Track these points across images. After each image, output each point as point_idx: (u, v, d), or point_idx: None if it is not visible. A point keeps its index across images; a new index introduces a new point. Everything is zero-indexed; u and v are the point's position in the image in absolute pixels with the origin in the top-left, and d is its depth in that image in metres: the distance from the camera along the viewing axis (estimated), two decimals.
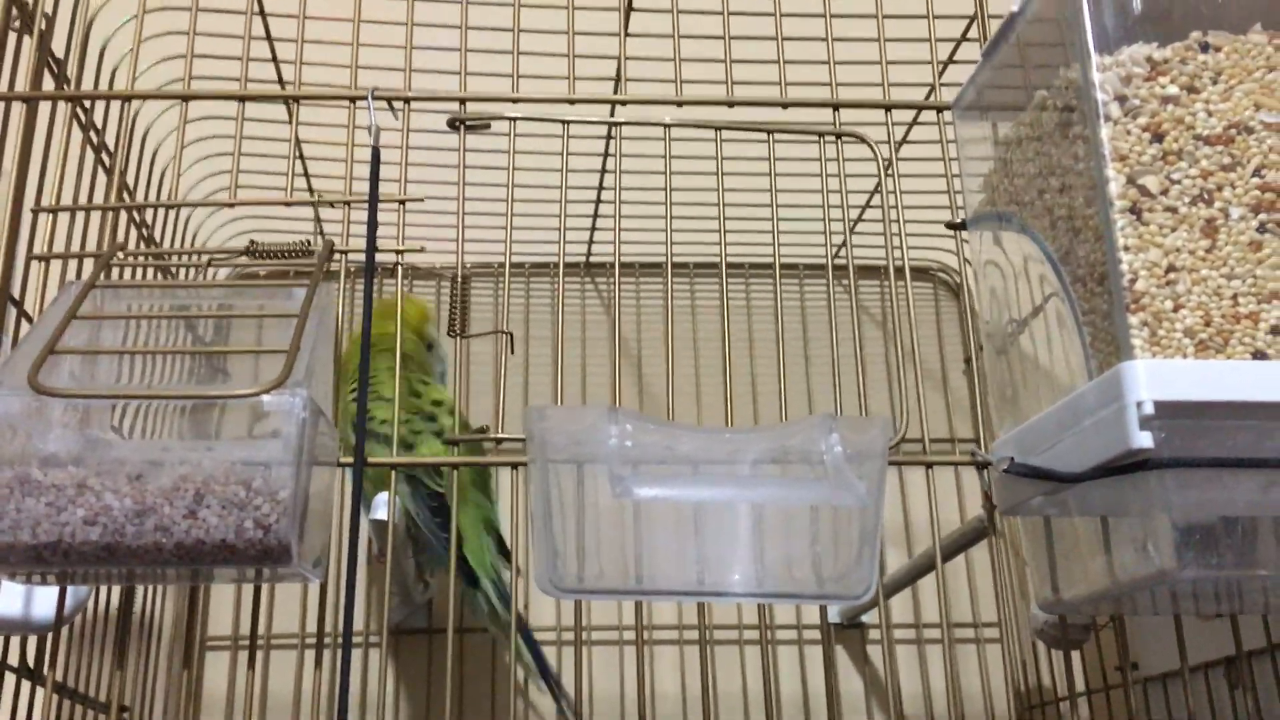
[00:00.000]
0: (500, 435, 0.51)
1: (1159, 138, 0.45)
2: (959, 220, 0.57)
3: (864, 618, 0.99)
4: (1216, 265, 0.44)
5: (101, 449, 0.46)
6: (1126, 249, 0.44)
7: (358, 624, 0.94)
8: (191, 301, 0.52)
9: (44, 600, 0.58)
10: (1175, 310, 0.43)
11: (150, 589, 0.86)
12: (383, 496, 0.69)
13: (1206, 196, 0.44)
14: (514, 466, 0.51)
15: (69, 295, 0.51)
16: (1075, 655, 0.93)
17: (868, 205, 0.87)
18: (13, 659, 0.62)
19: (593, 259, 1.06)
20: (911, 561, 0.82)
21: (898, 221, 0.61)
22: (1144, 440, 0.41)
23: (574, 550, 0.44)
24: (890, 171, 0.60)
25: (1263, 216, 0.44)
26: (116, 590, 0.80)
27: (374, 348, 0.68)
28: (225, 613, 0.94)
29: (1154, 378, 0.42)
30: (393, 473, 0.52)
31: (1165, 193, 0.44)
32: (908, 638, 1.00)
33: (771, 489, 0.43)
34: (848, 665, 0.99)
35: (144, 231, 0.63)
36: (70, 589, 0.57)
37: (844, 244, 0.63)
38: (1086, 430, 0.44)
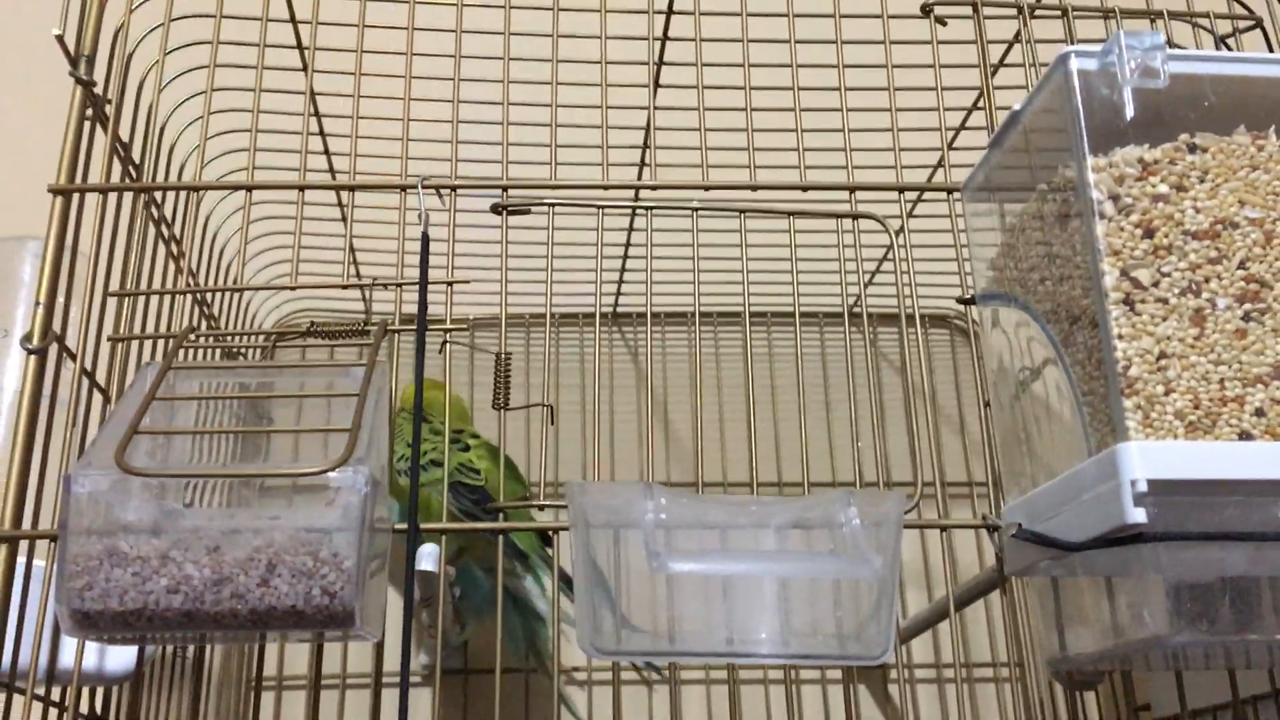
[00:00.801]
0: (543, 503, 0.55)
1: (1150, 233, 0.49)
2: (969, 296, 0.61)
3: (885, 657, 1.02)
4: (1204, 352, 0.47)
5: (177, 518, 0.50)
6: (1121, 337, 0.47)
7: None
8: (254, 379, 0.56)
9: (116, 654, 0.63)
10: (1166, 394, 0.47)
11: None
12: (428, 548, 0.73)
13: (1195, 288, 0.48)
14: (555, 531, 0.55)
15: (145, 378, 0.55)
16: (1090, 696, 0.96)
17: (878, 270, 0.91)
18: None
19: (620, 309, 1.11)
20: (930, 607, 0.86)
21: (909, 285, 0.65)
22: (1138, 516, 0.45)
23: (612, 616, 0.48)
24: (902, 244, 0.64)
25: (1247, 306, 0.48)
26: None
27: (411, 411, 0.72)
28: (271, 652, 0.98)
29: (1147, 458, 0.45)
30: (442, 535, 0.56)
31: (1156, 284, 0.48)
32: (928, 677, 1.03)
33: (794, 563, 0.47)
34: (870, 704, 1.03)
35: (205, 310, 0.67)
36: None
37: (858, 301, 0.67)
38: (1086, 503, 0.48)
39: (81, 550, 0.48)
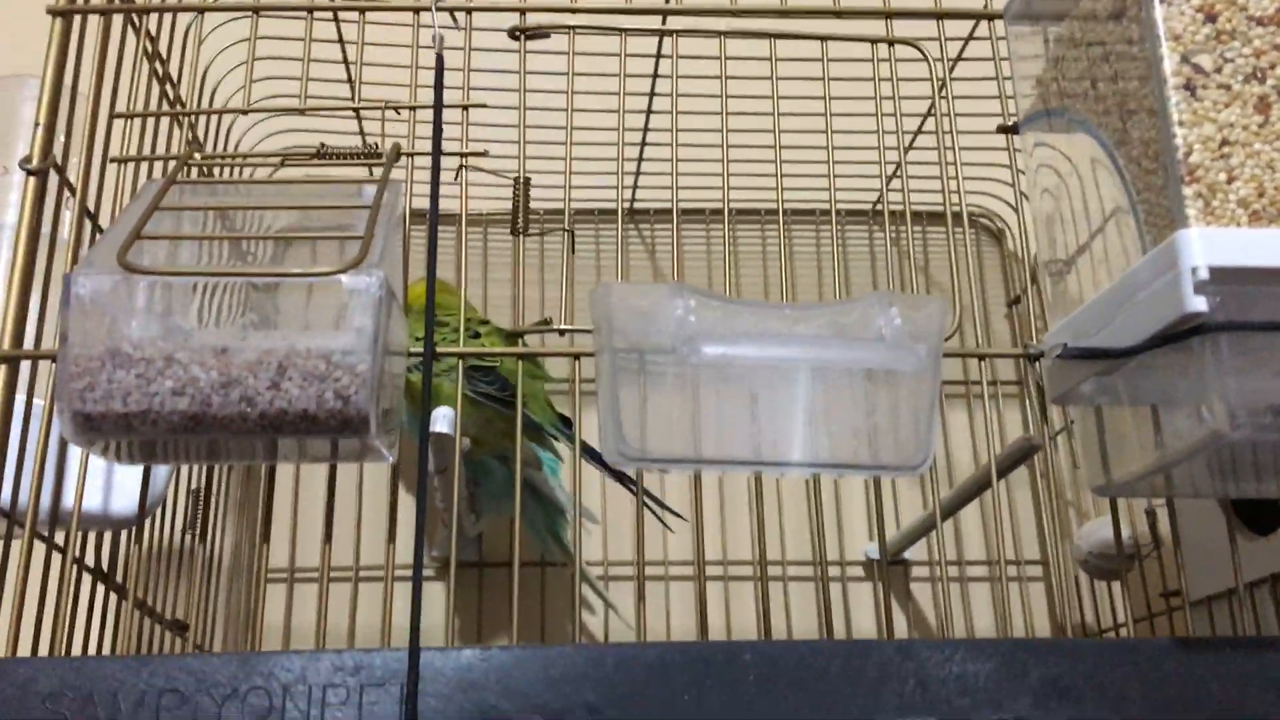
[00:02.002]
0: (563, 327, 0.52)
1: (1212, 18, 0.46)
2: (1011, 124, 0.59)
3: (906, 554, 1.00)
4: (1270, 139, 0.45)
5: (184, 334, 0.48)
6: (1181, 124, 0.45)
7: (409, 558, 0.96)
8: (262, 199, 0.54)
9: (122, 494, 0.61)
10: (1229, 182, 0.44)
11: (213, 519, 0.88)
12: (442, 410, 0.70)
13: (1259, 74, 0.45)
14: (576, 357, 0.53)
15: (150, 191, 0.53)
16: (1117, 587, 0.94)
17: (920, 130, 0.88)
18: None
19: (637, 205, 1.08)
20: (957, 488, 0.83)
21: (952, 148, 0.62)
22: (1198, 304, 0.42)
23: (638, 423, 0.45)
24: (941, 77, 0.61)
25: None
26: (180, 514, 0.82)
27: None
28: (282, 548, 0.96)
29: (1208, 244, 0.43)
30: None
31: (1219, 70, 0.45)
32: (951, 575, 1.01)
33: (832, 350, 0.44)
34: (891, 603, 1.01)
35: (201, 146, 0.65)
36: (150, 486, 0.59)
37: (898, 167, 0.64)
38: (1139, 305, 0.45)
39: (83, 351, 0.46)
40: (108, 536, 0.66)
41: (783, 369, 0.44)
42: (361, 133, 0.65)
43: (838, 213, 1.09)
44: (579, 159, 0.59)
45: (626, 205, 1.07)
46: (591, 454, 0.77)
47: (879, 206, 1.09)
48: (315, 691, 0.47)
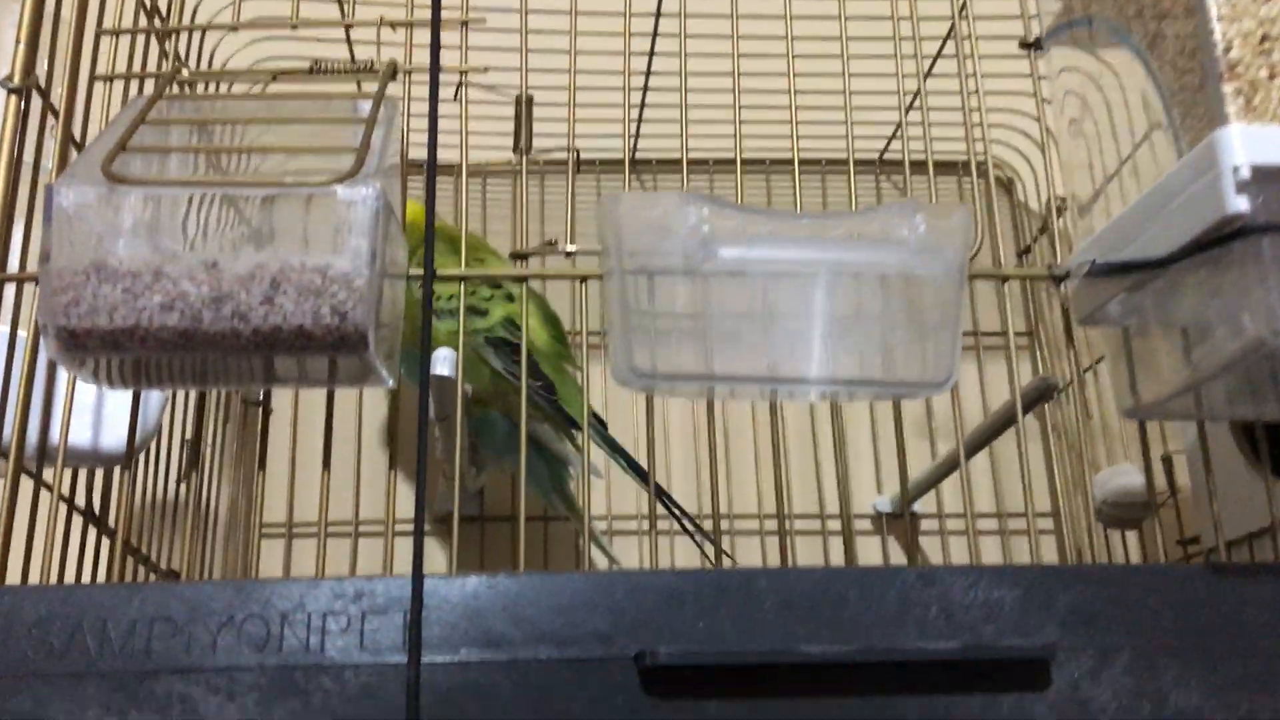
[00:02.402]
0: (570, 249, 0.50)
1: None
2: (1034, 39, 0.56)
3: (915, 507, 0.98)
4: None
5: (173, 248, 0.46)
6: (1221, 18, 0.43)
7: (408, 512, 0.94)
8: (254, 115, 0.51)
9: (111, 430, 0.59)
10: (1271, 79, 0.42)
11: (207, 475, 0.86)
12: (443, 352, 0.68)
13: None
14: (582, 280, 0.51)
15: (136, 106, 0.50)
16: (1133, 537, 0.92)
17: (938, 54, 0.85)
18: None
19: (638, 155, 1.05)
20: (974, 429, 0.81)
21: (974, 74, 0.59)
22: (1240, 205, 0.40)
23: (650, 338, 0.43)
24: (964, 9, 0.58)
25: None
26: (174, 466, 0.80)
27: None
28: (279, 503, 0.94)
29: (1250, 142, 0.41)
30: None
31: None
32: (958, 529, 0.99)
33: (856, 252, 0.42)
34: (898, 556, 0.99)
35: (184, 64, 0.62)
36: (140, 420, 0.57)
37: (917, 93, 0.62)
38: (1175, 212, 0.43)
39: (67, 265, 0.44)
40: (99, 481, 0.64)
41: (800, 279, 0.42)
42: (353, 55, 0.62)
43: (847, 162, 1.07)
44: (583, 102, 0.57)
45: (629, 155, 1.05)
46: (625, 459, 0.76)
47: (885, 156, 1.07)
48: (315, 619, 0.45)
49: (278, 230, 0.45)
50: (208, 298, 0.44)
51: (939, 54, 0.87)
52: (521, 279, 0.52)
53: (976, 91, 0.60)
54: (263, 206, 0.45)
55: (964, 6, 0.60)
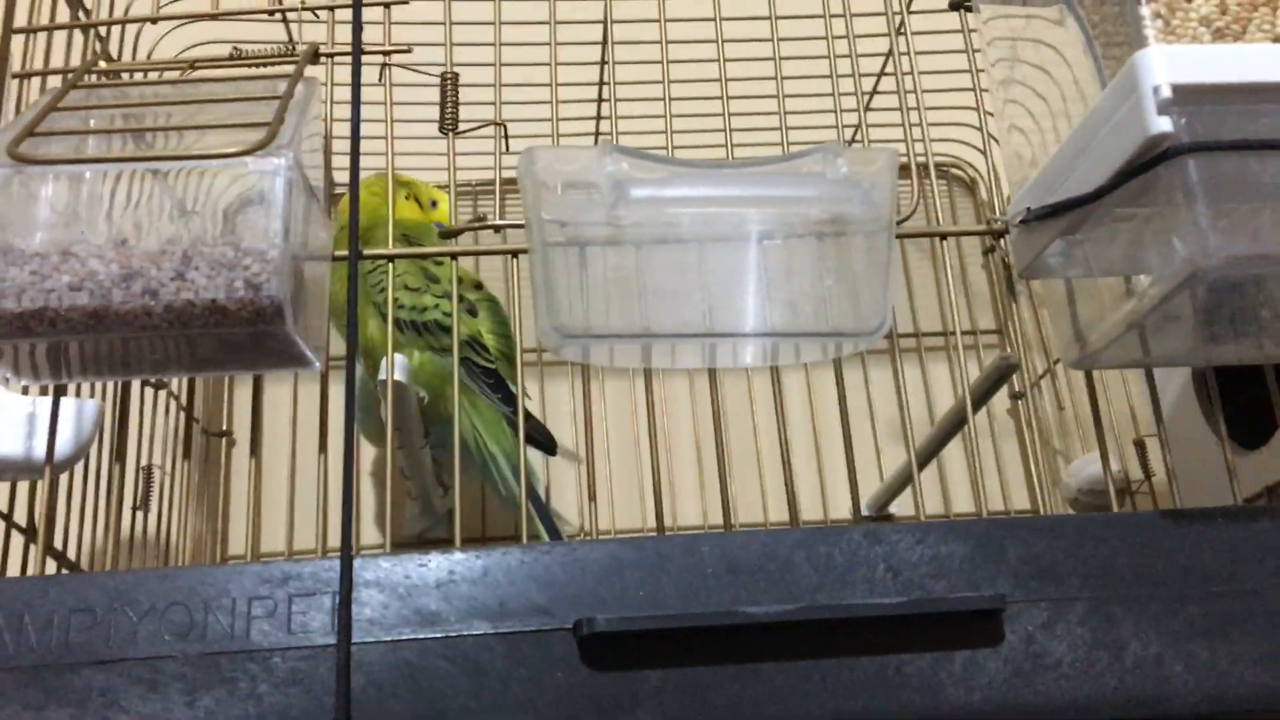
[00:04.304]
0: (499, 223, 0.49)
1: None
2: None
3: (892, 508, 0.97)
4: None
5: (81, 228, 0.45)
6: None
7: (376, 538, 0.92)
8: (170, 98, 0.51)
9: (44, 440, 0.57)
10: (1188, 0, 0.41)
11: (168, 511, 0.84)
12: (399, 358, 0.67)
13: None
14: (514, 255, 0.50)
15: (51, 95, 0.50)
16: None
17: (881, 73, 0.84)
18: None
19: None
20: (939, 421, 0.80)
21: (914, 91, 0.58)
22: (1163, 124, 0.39)
23: (577, 296, 0.42)
24: (901, 28, 0.57)
25: None
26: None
27: (381, 231, 0.66)
28: (242, 529, 0.92)
29: (1170, 61, 0.40)
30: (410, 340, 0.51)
31: None
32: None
33: (776, 188, 0.41)
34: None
35: (107, 55, 0.62)
36: (72, 427, 0.56)
37: (872, 93, 0.60)
38: (1101, 143, 0.42)
39: None
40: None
41: (730, 232, 0.41)
42: (290, 36, 0.62)
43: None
44: (509, 81, 0.56)
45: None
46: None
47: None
48: (240, 605, 0.43)
49: (190, 206, 0.44)
50: (117, 276, 0.43)
51: (881, 72, 0.87)
52: (451, 255, 0.51)
53: (914, 91, 0.59)
54: (175, 182, 0.44)
55: (901, 24, 0.59)
